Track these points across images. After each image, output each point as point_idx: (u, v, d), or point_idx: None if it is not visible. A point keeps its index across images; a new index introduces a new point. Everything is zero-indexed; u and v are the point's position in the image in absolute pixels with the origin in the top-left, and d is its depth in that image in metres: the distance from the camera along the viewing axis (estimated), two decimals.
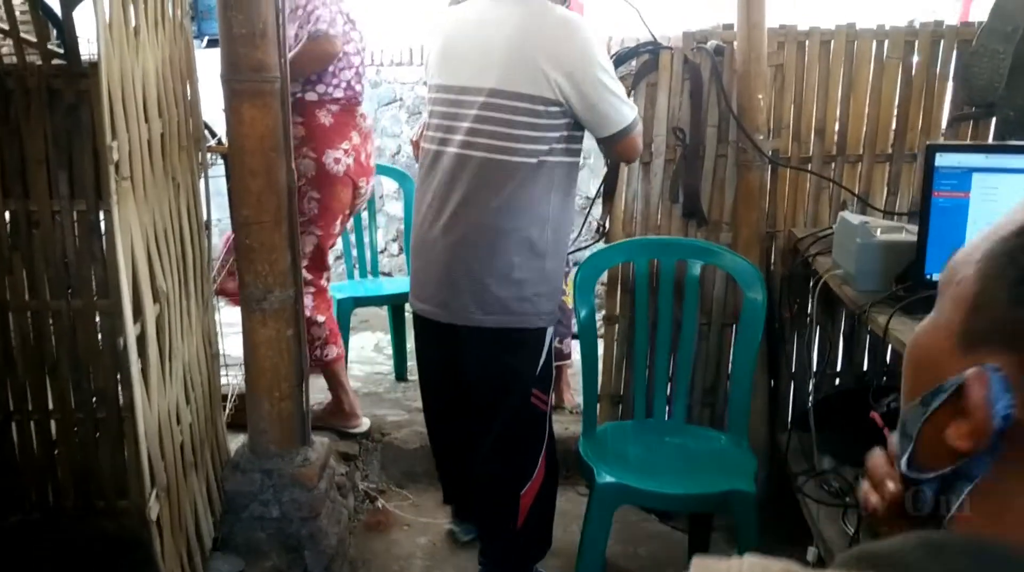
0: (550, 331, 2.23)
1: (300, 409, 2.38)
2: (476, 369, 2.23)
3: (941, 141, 2.67)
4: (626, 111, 2.08)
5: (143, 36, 1.64)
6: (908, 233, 2.19)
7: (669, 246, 2.45)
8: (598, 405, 2.54)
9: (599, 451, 2.27)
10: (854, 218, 2.25)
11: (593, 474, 2.15)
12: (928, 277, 1.92)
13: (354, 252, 3.82)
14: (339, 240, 3.88)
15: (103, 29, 1.40)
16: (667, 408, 2.52)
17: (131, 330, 1.55)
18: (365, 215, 3.84)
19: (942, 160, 1.82)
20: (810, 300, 2.38)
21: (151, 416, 1.64)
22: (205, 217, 2.21)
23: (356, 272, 3.82)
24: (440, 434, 2.49)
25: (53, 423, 2.16)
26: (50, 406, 2.14)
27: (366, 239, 3.79)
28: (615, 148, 2.12)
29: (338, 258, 5.21)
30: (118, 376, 2.03)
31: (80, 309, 2.10)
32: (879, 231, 2.14)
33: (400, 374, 3.78)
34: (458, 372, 2.27)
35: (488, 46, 2.05)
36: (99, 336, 2.11)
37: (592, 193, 4.23)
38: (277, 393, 2.33)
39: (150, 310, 1.64)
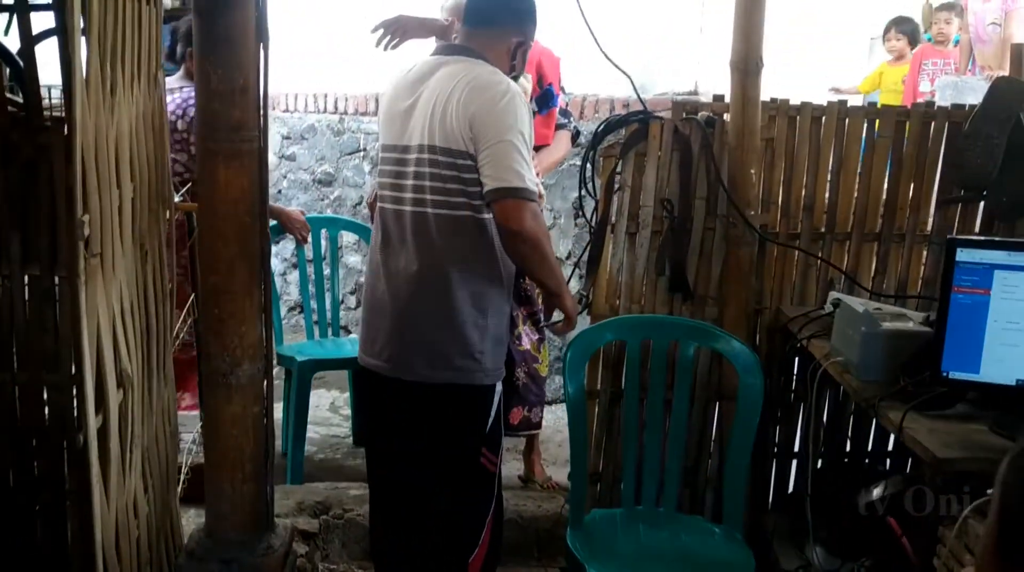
0: (498, 389, 2.19)
1: (264, 491, 2.19)
2: (423, 426, 2.17)
3: (957, 235, 2.64)
4: (521, 174, 1.97)
5: (119, 94, 1.48)
6: (912, 321, 2.12)
7: (663, 326, 2.34)
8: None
9: (589, 545, 2.12)
10: (855, 303, 2.17)
11: None
12: (944, 374, 1.84)
13: (313, 304, 3.65)
14: (297, 293, 3.72)
15: (80, 89, 1.24)
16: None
17: (92, 424, 1.37)
18: (326, 269, 3.69)
19: (964, 255, 1.75)
20: (808, 385, 2.29)
21: (108, 519, 1.45)
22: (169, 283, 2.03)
23: (316, 329, 3.65)
24: (383, 498, 2.32)
25: None
26: None
27: (327, 295, 3.63)
28: (495, 207, 1.99)
29: (292, 310, 5.03)
30: (65, 457, 1.82)
31: (25, 382, 1.89)
32: (885, 320, 2.06)
33: (359, 440, 3.59)
34: (404, 429, 2.20)
35: (420, 104, 2.08)
36: (45, 412, 1.90)
37: (561, 253, 4.15)
38: (240, 475, 2.14)
39: (113, 398, 1.47)
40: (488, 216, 2.05)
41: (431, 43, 3.00)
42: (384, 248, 2.16)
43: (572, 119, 3.45)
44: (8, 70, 1.98)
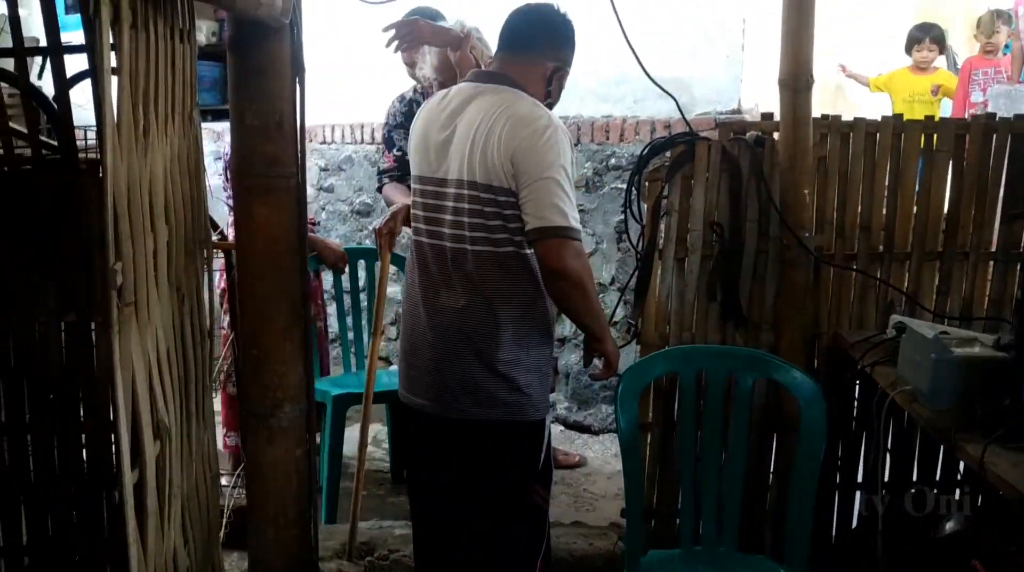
0: (548, 421, 2.12)
1: (308, 536, 2.13)
2: (471, 465, 2.09)
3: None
4: (564, 211, 1.91)
5: (153, 135, 1.44)
6: (984, 345, 2.00)
7: (719, 356, 2.24)
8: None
9: None
10: (922, 327, 2.05)
11: None
12: None
13: (351, 336, 3.60)
14: (335, 325, 3.66)
15: (111, 133, 1.19)
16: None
17: (128, 480, 1.30)
18: (362, 297, 3.65)
19: None
20: (875, 415, 2.17)
21: None
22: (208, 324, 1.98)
23: (354, 362, 3.58)
24: (429, 538, 2.24)
25: (26, 559, 1.89)
26: (24, 540, 1.88)
27: (364, 325, 3.59)
28: (538, 246, 1.93)
29: (332, 342, 4.98)
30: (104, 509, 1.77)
31: (63, 431, 1.85)
32: (955, 345, 1.94)
33: (400, 476, 3.51)
34: (451, 468, 2.12)
35: (457, 136, 2.01)
36: (84, 461, 1.86)
37: (604, 278, 4.06)
38: (283, 519, 2.08)
39: (150, 451, 1.41)
40: (531, 250, 1.98)
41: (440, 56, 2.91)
42: (423, 283, 2.08)
43: None
44: (44, 113, 1.96)
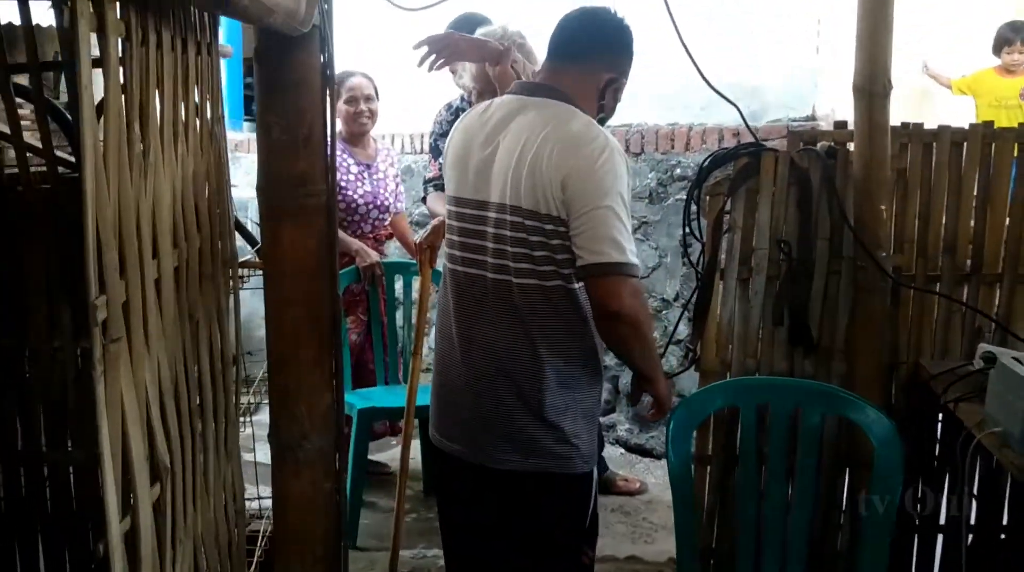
0: (595, 476, 1.93)
1: None
2: (512, 521, 1.91)
3: None
4: (621, 245, 1.71)
5: (154, 156, 1.33)
6: None
7: (783, 389, 2.04)
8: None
9: None
10: (1016, 364, 1.83)
11: None
12: None
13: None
14: (373, 341, 3.58)
15: (90, 155, 1.08)
16: None
17: (116, 531, 1.20)
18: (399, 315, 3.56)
19: None
20: (959, 457, 1.95)
21: None
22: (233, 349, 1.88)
23: (387, 375, 3.48)
24: None
25: None
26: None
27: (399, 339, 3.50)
28: (591, 283, 1.74)
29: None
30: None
31: (82, 462, 1.77)
32: None
33: (430, 488, 3.42)
34: (489, 512, 1.93)
35: (500, 154, 1.82)
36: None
37: (668, 294, 3.87)
38: (310, 556, 1.96)
39: (145, 496, 1.30)
40: (579, 285, 1.81)
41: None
42: (459, 316, 1.90)
43: None
44: (61, 129, 1.89)
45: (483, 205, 1.84)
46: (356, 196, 3.42)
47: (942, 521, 2.43)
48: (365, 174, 3.48)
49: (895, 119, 2.25)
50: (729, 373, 2.39)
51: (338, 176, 3.48)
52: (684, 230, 2.44)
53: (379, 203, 3.48)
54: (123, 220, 1.22)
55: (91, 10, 1.08)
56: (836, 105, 3.61)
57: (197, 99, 1.59)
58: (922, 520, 2.43)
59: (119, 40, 1.18)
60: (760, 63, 3.61)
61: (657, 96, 3.84)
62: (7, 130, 1.66)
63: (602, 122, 1.91)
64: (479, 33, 2.76)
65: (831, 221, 2.32)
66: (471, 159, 1.88)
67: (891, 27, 2.17)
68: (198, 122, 1.61)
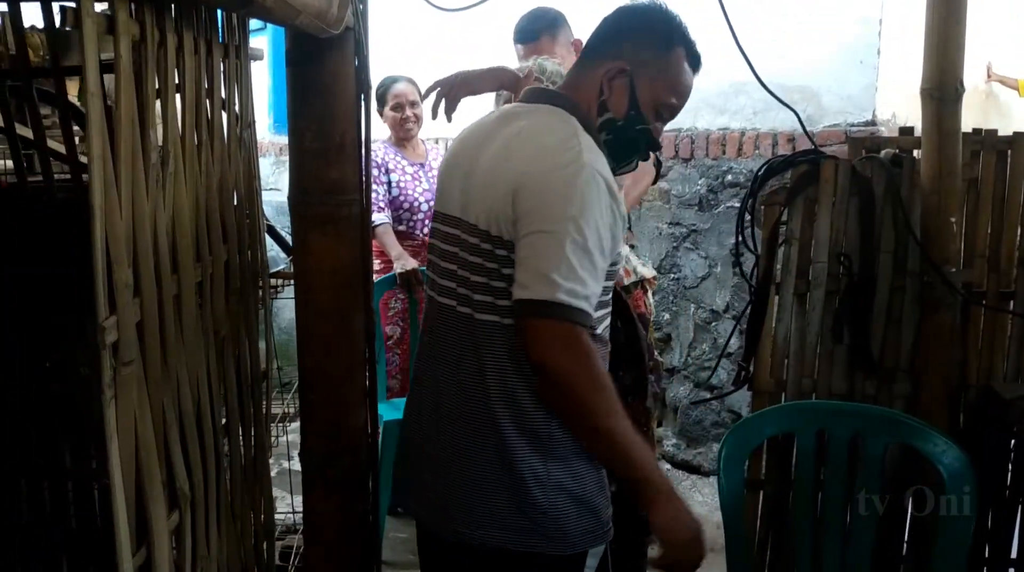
0: (591, 562, 1.50)
1: None
2: None
3: None
4: (553, 284, 1.32)
5: (174, 165, 1.26)
6: None
7: (844, 415, 1.90)
8: None
9: None
10: None
11: None
12: None
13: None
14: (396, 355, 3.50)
15: (97, 165, 1.00)
16: None
17: (128, 567, 1.12)
18: None
19: None
20: None
21: None
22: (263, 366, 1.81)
23: None
24: None
25: None
26: None
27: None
28: (521, 324, 1.36)
29: None
30: None
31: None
32: None
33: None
34: None
35: (480, 167, 1.50)
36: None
37: (718, 305, 3.73)
38: None
39: (162, 527, 1.22)
40: None
41: None
42: (427, 351, 1.58)
43: (660, 155, 2.73)
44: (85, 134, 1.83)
45: (457, 223, 1.52)
46: (416, 194, 3.45)
47: (1014, 555, 2.28)
48: (420, 173, 3.52)
49: (964, 125, 2.11)
50: (784, 393, 2.26)
51: (395, 177, 3.45)
52: (737, 240, 2.31)
53: None
54: (138, 234, 1.15)
55: (97, 10, 1.00)
56: (897, 109, 3.45)
57: (224, 104, 1.52)
58: (992, 554, 2.27)
59: (132, 42, 1.11)
60: (817, 65, 3.46)
61: (707, 100, 3.70)
62: (29, 134, 1.60)
63: (610, 125, 1.52)
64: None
65: (895, 234, 2.17)
66: (456, 170, 1.56)
67: (964, 26, 2.03)
68: (225, 128, 1.55)
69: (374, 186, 3.60)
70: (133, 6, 1.12)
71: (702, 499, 3.50)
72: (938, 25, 2.04)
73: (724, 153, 3.69)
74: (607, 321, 1.52)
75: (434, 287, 1.57)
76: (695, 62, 1.57)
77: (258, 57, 1.74)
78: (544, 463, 1.44)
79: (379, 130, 3.33)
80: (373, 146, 3.59)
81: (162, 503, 1.23)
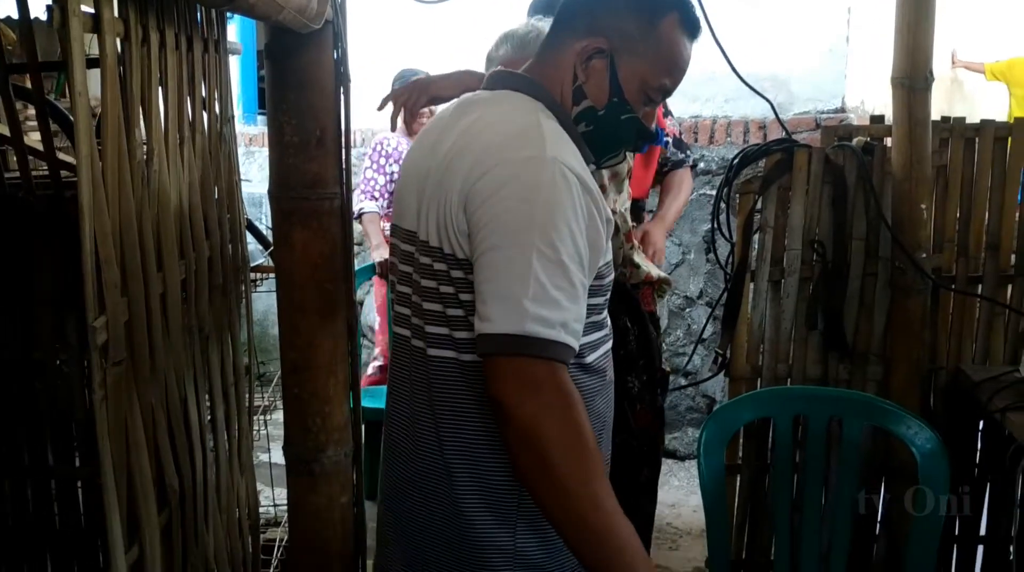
0: None
1: None
2: None
3: None
4: (520, 311, 1.07)
5: (158, 162, 1.26)
6: None
7: (818, 400, 1.94)
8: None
9: None
10: None
11: None
12: None
13: None
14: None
15: (85, 165, 1.00)
16: None
17: (122, 565, 1.13)
18: None
19: None
20: (1008, 469, 1.86)
21: None
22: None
23: None
24: None
25: None
26: None
27: None
28: (487, 365, 1.10)
29: None
30: None
31: (89, 477, 1.71)
32: None
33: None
34: None
35: (427, 168, 1.25)
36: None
37: (692, 291, 3.77)
38: None
39: (153, 524, 1.23)
40: None
41: None
42: (389, 386, 1.39)
43: (689, 152, 2.78)
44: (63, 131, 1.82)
45: (412, 238, 1.27)
46: None
47: (982, 532, 2.34)
48: None
49: (933, 113, 2.15)
50: (760, 379, 2.30)
51: None
52: (713, 227, 2.34)
53: None
54: (124, 232, 1.15)
55: (83, 8, 1.00)
56: (866, 97, 3.50)
57: (205, 99, 1.52)
58: (962, 531, 2.34)
59: (117, 40, 1.10)
60: (787, 53, 3.50)
61: (679, 88, 3.72)
62: (6, 130, 1.59)
63: (589, 115, 1.27)
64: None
65: (867, 221, 2.22)
66: (411, 176, 1.32)
67: (933, 16, 2.07)
68: (206, 123, 1.54)
69: (373, 175, 3.59)
70: (116, 3, 1.12)
71: (678, 483, 3.55)
72: (908, 15, 2.07)
73: (696, 141, 3.72)
74: (606, 345, 1.30)
75: (394, 315, 1.34)
76: (693, 29, 1.29)
77: (236, 52, 1.73)
78: (512, 534, 1.20)
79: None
80: (387, 137, 3.60)
81: (153, 501, 1.23)
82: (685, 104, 3.80)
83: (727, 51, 2.10)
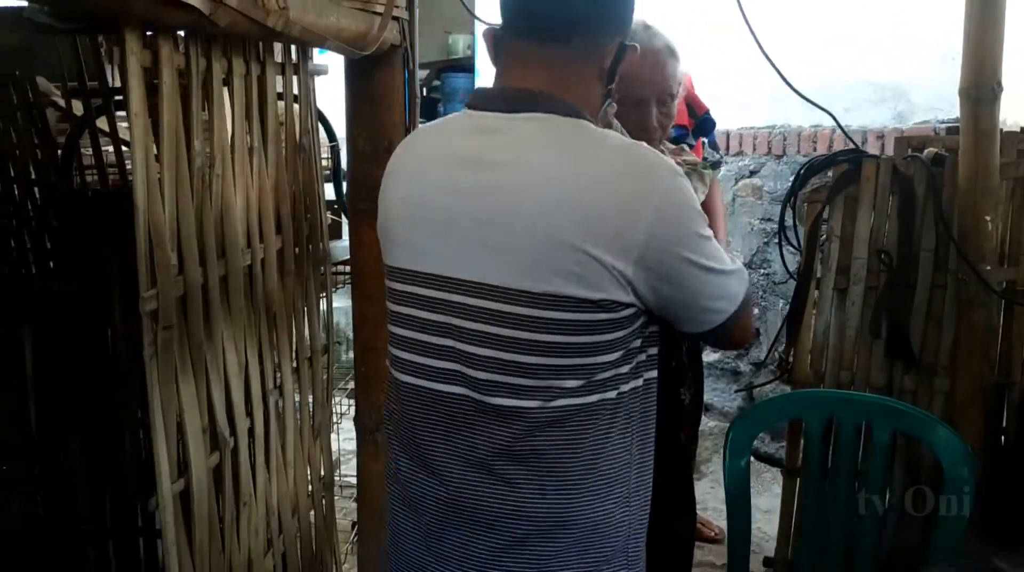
0: None
1: None
2: None
3: None
4: (733, 286, 1.19)
5: (221, 168, 1.53)
6: None
7: (850, 403, 1.98)
8: None
9: None
10: None
11: None
12: None
13: None
14: None
15: (140, 168, 1.28)
16: None
17: (167, 489, 1.40)
18: None
19: None
20: None
21: None
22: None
23: None
24: None
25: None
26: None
27: None
28: (724, 340, 1.25)
29: None
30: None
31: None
32: None
33: None
34: None
35: (484, 207, 1.14)
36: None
37: None
38: (383, 534, 2.13)
39: (200, 461, 1.50)
40: (628, 388, 1.20)
41: None
42: (404, 443, 1.31)
43: (719, 152, 2.76)
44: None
45: (448, 284, 1.18)
46: None
47: None
48: None
49: (1012, 121, 2.12)
50: (822, 385, 2.34)
51: None
52: (779, 236, 2.41)
53: None
54: (182, 224, 1.42)
55: (141, 45, 1.27)
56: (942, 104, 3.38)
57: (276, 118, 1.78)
58: None
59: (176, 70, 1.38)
60: (907, 62, 3.43)
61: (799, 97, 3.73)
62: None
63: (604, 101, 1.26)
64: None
65: (936, 232, 2.21)
66: (424, 215, 1.21)
67: (1002, 27, 2.05)
68: (284, 135, 1.81)
69: None
70: (184, 41, 1.40)
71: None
72: (974, 25, 2.07)
73: (815, 150, 3.71)
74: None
75: (410, 370, 1.25)
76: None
77: (323, 72, 2.00)
78: None
79: None
80: None
81: (201, 442, 1.50)
82: (806, 113, 3.79)
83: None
